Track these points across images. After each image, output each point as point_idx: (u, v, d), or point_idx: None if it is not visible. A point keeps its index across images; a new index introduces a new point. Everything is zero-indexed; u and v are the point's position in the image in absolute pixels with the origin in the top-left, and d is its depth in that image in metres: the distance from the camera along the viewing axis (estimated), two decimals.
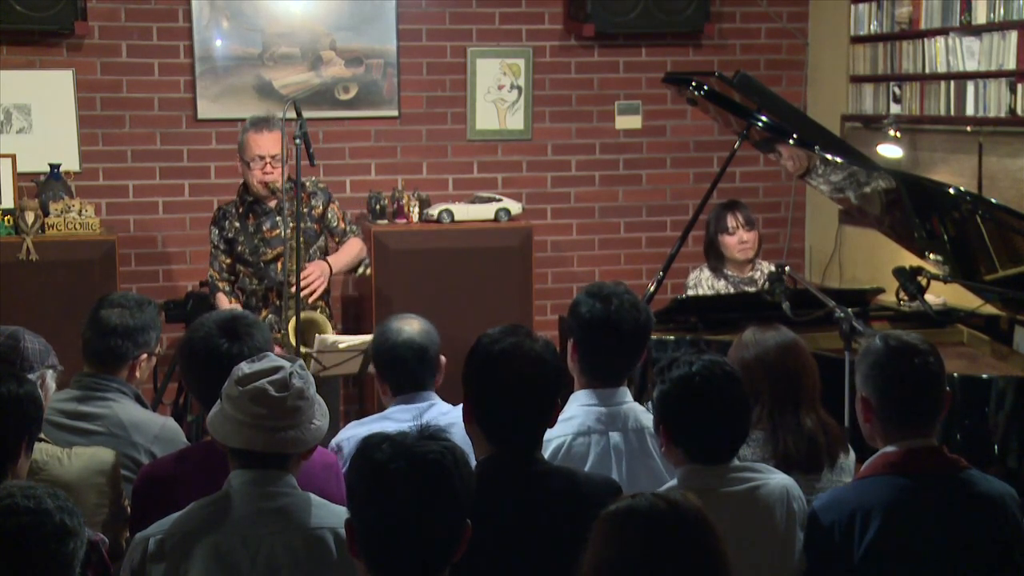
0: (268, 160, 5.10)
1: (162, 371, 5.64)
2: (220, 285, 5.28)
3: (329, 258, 5.27)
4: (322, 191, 5.39)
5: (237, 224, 5.27)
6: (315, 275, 5.11)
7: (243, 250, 5.26)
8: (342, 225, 5.39)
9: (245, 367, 2.64)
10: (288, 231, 5.02)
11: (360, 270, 5.54)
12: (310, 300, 5.12)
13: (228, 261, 5.31)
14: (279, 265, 5.12)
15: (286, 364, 2.64)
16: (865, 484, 2.87)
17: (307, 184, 5.34)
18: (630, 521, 2.10)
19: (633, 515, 2.10)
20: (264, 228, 5.22)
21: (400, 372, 3.52)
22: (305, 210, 5.21)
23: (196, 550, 2.53)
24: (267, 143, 5.11)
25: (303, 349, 4.75)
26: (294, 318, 4.84)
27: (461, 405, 2.83)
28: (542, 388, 2.75)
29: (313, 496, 2.65)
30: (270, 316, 5.18)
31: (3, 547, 2.17)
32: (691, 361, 2.84)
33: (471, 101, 6.47)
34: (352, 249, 5.38)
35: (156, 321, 3.63)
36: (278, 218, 5.16)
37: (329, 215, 5.36)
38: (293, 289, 4.86)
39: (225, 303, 5.17)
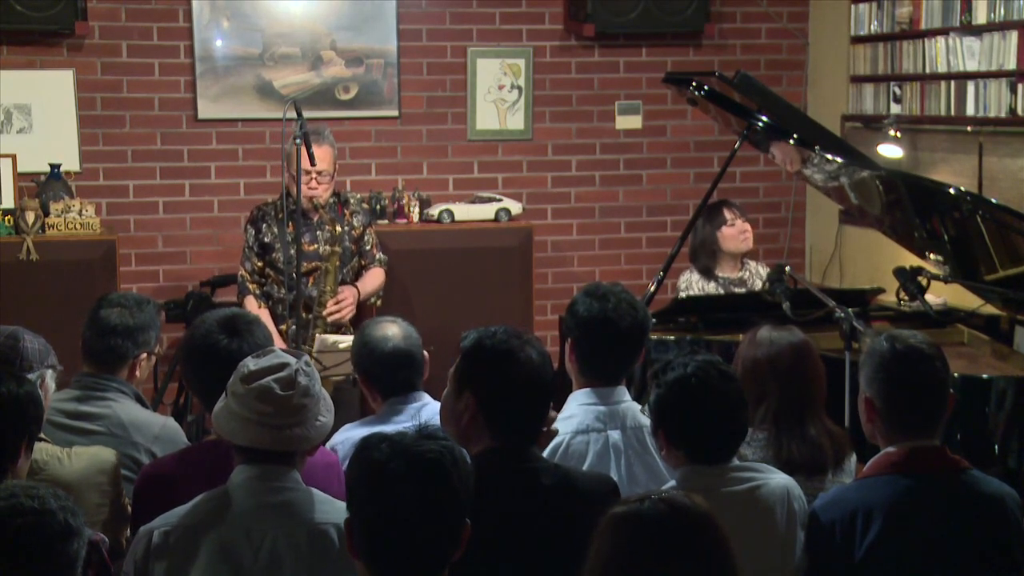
0: (314, 175, 5.04)
1: (162, 371, 5.65)
2: (250, 287, 5.19)
3: (358, 283, 5.22)
4: (364, 212, 5.37)
5: (275, 230, 5.18)
6: (348, 301, 5.07)
7: (278, 257, 5.15)
8: (374, 252, 5.36)
9: (251, 363, 2.62)
10: (324, 248, 5.05)
11: (372, 300, 5.50)
12: (330, 320, 5.06)
13: (260, 264, 5.21)
14: (311, 280, 5.07)
15: (291, 360, 2.62)
16: (867, 484, 2.86)
17: (351, 200, 5.33)
18: (640, 526, 2.09)
19: (642, 519, 2.09)
20: (303, 240, 5.08)
21: (391, 379, 3.50)
22: (346, 228, 5.19)
23: (200, 543, 2.53)
24: (315, 157, 5.06)
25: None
26: (319, 338, 4.84)
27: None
28: (547, 382, 2.79)
29: (316, 491, 2.65)
30: (293, 327, 5.11)
31: (7, 547, 2.17)
32: (685, 363, 2.84)
33: (471, 101, 6.47)
34: (376, 280, 5.34)
35: (156, 320, 3.62)
36: (318, 232, 5.13)
37: (366, 237, 5.32)
38: (325, 313, 4.96)
39: (254, 307, 5.06)
